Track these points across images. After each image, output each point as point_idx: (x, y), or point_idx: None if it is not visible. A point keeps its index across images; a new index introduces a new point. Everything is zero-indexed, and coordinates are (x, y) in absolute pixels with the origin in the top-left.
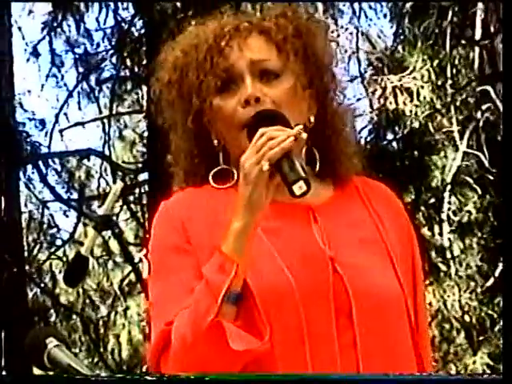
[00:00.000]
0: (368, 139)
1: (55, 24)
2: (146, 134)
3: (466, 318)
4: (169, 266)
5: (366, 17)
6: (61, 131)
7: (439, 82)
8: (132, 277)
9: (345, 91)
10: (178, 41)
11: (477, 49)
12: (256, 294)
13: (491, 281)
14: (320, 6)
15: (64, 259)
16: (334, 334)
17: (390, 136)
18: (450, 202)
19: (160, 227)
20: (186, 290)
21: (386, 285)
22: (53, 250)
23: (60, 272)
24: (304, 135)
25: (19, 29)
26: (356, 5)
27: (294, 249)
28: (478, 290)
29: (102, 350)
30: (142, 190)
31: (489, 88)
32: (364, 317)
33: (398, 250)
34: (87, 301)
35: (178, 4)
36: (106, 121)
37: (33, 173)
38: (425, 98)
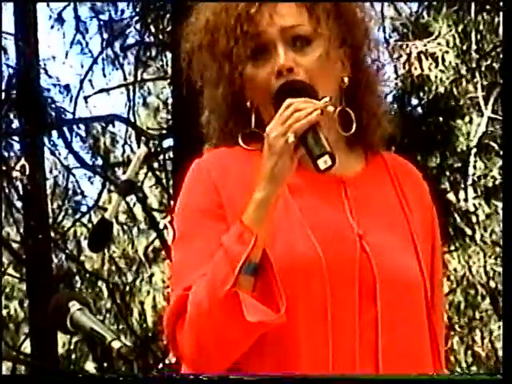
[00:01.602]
0: (393, 105)
1: None
2: (170, 100)
3: (492, 283)
4: (195, 229)
5: None
6: (85, 97)
7: (464, 48)
8: (157, 243)
9: (379, 47)
10: (208, 3)
11: (501, 14)
12: (281, 262)
13: None
14: None
15: (89, 226)
16: (356, 312)
17: (414, 101)
18: (475, 167)
19: (191, 187)
20: (209, 255)
21: (409, 267)
22: (78, 216)
23: (85, 238)
24: (331, 108)
25: None
26: None
27: (324, 222)
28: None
29: (127, 316)
30: (167, 157)
31: None
32: (387, 298)
33: (421, 232)
34: (112, 267)
35: None
36: (130, 87)
37: (58, 139)
38: (450, 63)
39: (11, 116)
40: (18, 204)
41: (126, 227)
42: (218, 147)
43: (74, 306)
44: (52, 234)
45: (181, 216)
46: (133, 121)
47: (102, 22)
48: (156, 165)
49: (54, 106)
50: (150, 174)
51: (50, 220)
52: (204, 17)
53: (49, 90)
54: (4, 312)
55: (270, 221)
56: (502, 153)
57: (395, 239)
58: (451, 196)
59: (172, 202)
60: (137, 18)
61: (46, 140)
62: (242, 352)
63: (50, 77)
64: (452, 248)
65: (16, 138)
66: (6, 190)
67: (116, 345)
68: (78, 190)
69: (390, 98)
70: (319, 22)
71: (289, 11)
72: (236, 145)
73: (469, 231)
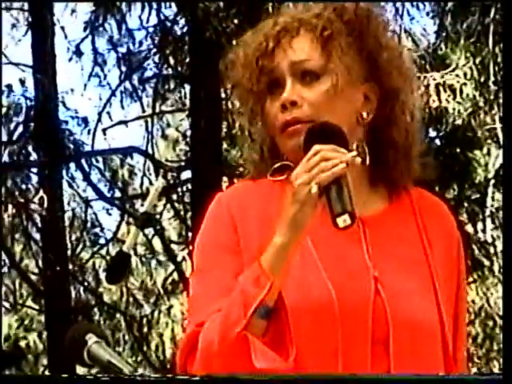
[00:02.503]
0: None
1: (97, 23)
2: (188, 132)
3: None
4: (210, 264)
5: (409, 15)
6: (104, 130)
7: (482, 79)
8: (175, 275)
9: (414, 83)
10: (243, 39)
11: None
12: (295, 305)
13: None
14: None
15: (107, 258)
16: (368, 358)
17: (432, 133)
18: (493, 199)
19: (211, 221)
20: (223, 291)
21: (425, 314)
22: (96, 248)
23: (103, 270)
24: (358, 160)
25: (62, 28)
26: (399, 3)
27: (340, 263)
28: None
29: (145, 348)
30: (185, 189)
31: None
32: (400, 346)
33: (444, 270)
34: (131, 299)
35: (221, 3)
36: (148, 119)
37: (76, 171)
38: (467, 95)
39: (29, 148)
40: (37, 236)
41: (144, 259)
42: (255, 179)
43: (91, 338)
44: (70, 266)
45: (199, 250)
46: (151, 153)
47: (120, 55)
48: (174, 197)
49: (72, 138)
50: (168, 206)
51: (69, 252)
52: (236, 55)
53: (67, 123)
54: (23, 343)
55: (289, 266)
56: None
57: (413, 282)
58: (469, 227)
59: (190, 234)
60: (155, 50)
61: (64, 172)
62: None
63: (68, 109)
64: (470, 279)
65: (34, 170)
66: (25, 223)
67: None
68: (96, 223)
69: None
70: (331, 57)
71: (303, 46)
72: (264, 176)
73: (487, 262)
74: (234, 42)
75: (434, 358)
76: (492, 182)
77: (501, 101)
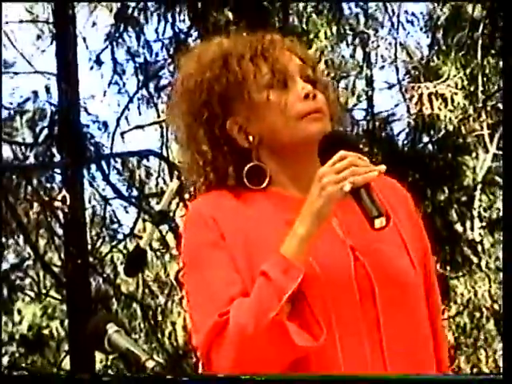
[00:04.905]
0: (405, 142)
1: (117, 35)
2: None
3: (496, 306)
4: (207, 260)
5: (404, 29)
6: (122, 133)
7: (471, 89)
8: (182, 265)
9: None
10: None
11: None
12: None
13: None
14: (362, 18)
15: (125, 252)
16: (359, 317)
17: (425, 139)
18: (480, 200)
19: (193, 225)
20: (228, 282)
21: (404, 268)
22: (114, 243)
23: (121, 264)
24: (383, 170)
25: (84, 39)
26: (395, 18)
27: (319, 242)
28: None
29: (159, 335)
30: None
31: None
32: (386, 298)
33: (411, 240)
34: (146, 290)
35: (231, 16)
36: (163, 124)
37: (96, 171)
38: (458, 103)
39: (54, 150)
40: (60, 231)
41: (159, 253)
42: (210, 191)
43: (112, 328)
44: (90, 259)
45: (189, 251)
46: (166, 155)
47: (137, 64)
48: (187, 196)
49: (93, 141)
50: (181, 204)
51: (89, 246)
52: (206, 57)
53: (88, 127)
54: (46, 331)
55: (309, 255)
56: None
57: (387, 245)
58: (459, 227)
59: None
60: (170, 60)
61: (85, 172)
62: (279, 370)
63: (89, 114)
64: (459, 274)
65: (58, 170)
66: (49, 219)
67: (150, 364)
68: (115, 219)
69: (402, 136)
70: (314, 72)
71: (296, 57)
72: (223, 187)
73: (475, 259)
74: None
75: (417, 306)
76: (479, 185)
77: (488, 108)
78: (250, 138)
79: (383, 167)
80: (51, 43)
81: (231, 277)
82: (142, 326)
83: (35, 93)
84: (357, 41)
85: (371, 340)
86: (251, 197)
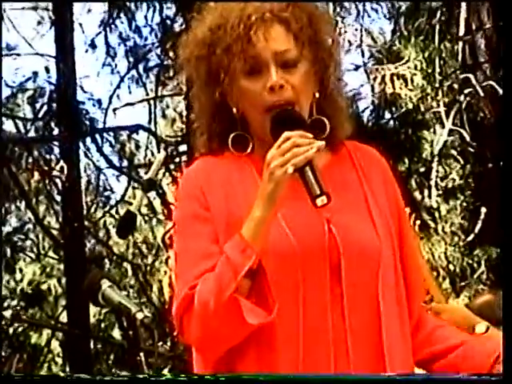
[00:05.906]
0: (370, 118)
1: (110, 21)
2: (184, 112)
3: (451, 267)
4: (190, 231)
5: (369, 16)
6: (114, 110)
7: (429, 71)
8: (172, 232)
9: (341, 66)
10: (204, 19)
11: (460, 43)
12: (266, 260)
13: (471, 236)
14: (330, 6)
15: (116, 216)
16: (327, 289)
17: (387, 115)
18: (437, 171)
19: (182, 195)
20: (204, 255)
21: (369, 240)
22: (107, 208)
23: (113, 227)
24: (323, 145)
25: (80, 25)
26: (360, 6)
27: (297, 214)
28: (461, 243)
29: (148, 292)
30: (182, 159)
31: (470, 76)
32: (351, 271)
33: (385, 207)
34: (136, 251)
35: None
36: (151, 102)
37: (91, 144)
38: (417, 83)
39: (52, 125)
40: (58, 198)
41: (147, 218)
42: (206, 155)
43: (105, 283)
44: (86, 223)
45: (176, 219)
46: (153, 130)
47: (128, 48)
48: (172, 166)
49: (87, 116)
50: (167, 174)
51: (84, 211)
52: (201, 32)
53: (84, 103)
54: (45, 287)
55: (267, 235)
56: (461, 160)
57: (357, 217)
58: (417, 195)
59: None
60: (157, 44)
61: (81, 145)
62: (235, 343)
63: (84, 92)
64: (418, 238)
65: (56, 143)
66: (48, 187)
67: (140, 316)
68: (108, 187)
69: (367, 113)
70: (303, 47)
71: (280, 36)
72: (222, 151)
73: (432, 224)
74: (194, 20)
75: (382, 276)
76: (436, 157)
77: (445, 88)
78: (234, 109)
79: (322, 143)
80: (50, 28)
81: (209, 250)
82: (132, 283)
83: (35, 73)
84: None
85: (335, 311)
86: (237, 161)
